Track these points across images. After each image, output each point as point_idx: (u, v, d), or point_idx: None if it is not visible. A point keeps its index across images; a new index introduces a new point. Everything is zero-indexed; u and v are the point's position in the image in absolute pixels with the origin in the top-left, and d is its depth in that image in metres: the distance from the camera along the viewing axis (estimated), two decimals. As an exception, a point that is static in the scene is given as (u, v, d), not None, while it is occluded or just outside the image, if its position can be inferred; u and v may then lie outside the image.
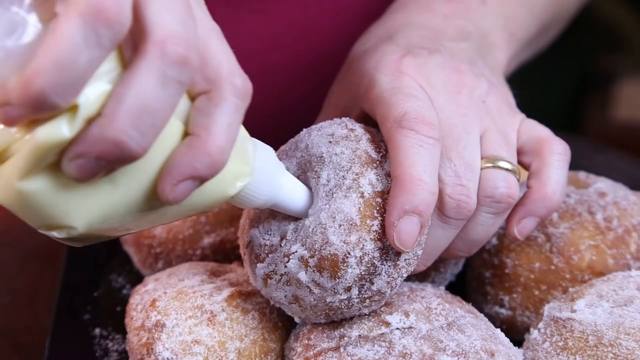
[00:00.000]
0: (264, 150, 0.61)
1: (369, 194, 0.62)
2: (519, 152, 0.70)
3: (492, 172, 0.67)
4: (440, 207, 0.65)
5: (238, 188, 0.59)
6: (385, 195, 0.62)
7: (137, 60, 0.50)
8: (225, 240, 0.78)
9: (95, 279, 0.81)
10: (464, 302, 0.70)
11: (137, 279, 0.79)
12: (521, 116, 0.71)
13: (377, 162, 0.63)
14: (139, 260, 0.79)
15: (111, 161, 0.51)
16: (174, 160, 0.54)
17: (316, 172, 0.64)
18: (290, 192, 0.63)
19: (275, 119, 0.97)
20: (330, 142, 0.65)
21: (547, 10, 0.85)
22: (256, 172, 0.60)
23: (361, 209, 0.62)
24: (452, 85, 0.69)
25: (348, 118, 0.67)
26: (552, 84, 2.03)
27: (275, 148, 0.64)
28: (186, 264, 0.75)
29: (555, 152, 0.69)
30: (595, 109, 1.99)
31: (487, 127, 0.68)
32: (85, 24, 0.48)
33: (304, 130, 0.68)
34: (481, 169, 0.67)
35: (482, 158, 0.67)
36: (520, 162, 0.70)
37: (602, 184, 0.76)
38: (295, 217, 0.64)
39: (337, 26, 0.98)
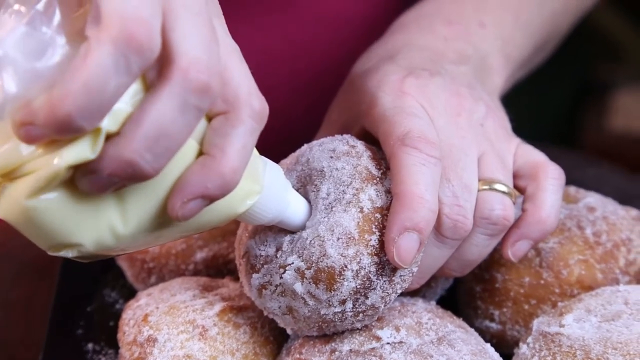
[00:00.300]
0: (273, 169, 0.62)
1: (368, 209, 0.63)
2: (515, 176, 0.71)
3: (488, 194, 0.68)
4: (438, 226, 0.66)
5: (247, 206, 0.60)
6: (384, 211, 0.63)
7: (160, 85, 0.51)
8: (218, 255, 0.78)
9: (88, 293, 0.81)
10: (454, 317, 0.71)
11: (130, 293, 0.79)
12: (517, 140, 0.73)
13: (378, 179, 0.64)
14: (132, 275, 0.80)
15: (123, 179, 0.52)
16: (186, 178, 0.55)
17: (316, 185, 0.65)
18: (295, 209, 0.64)
19: (276, 134, 0.97)
20: (331, 157, 0.65)
21: (542, 30, 0.87)
22: (265, 190, 0.60)
23: (360, 223, 0.63)
24: (452, 107, 0.70)
25: (349, 135, 0.68)
26: (549, 94, 2.03)
27: (276, 163, 0.64)
28: (179, 278, 0.75)
29: (551, 176, 0.70)
30: (592, 118, 2.00)
31: (485, 150, 0.70)
32: (117, 50, 0.48)
33: (305, 145, 0.69)
34: (478, 190, 0.68)
35: (479, 180, 0.68)
36: (515, 186, 0.71)
37: (592, 198, 0.76)
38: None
39: (334, 41, 0.98)
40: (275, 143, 0.85)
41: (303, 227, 0.64)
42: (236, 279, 0.75)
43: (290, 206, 0.63)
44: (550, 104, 2.06)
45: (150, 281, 0.79)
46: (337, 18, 0.98)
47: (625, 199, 0.89)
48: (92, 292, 0.81)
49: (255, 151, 0.60)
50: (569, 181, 0.78)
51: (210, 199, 0.55)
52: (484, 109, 0.72)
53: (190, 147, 0.55)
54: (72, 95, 0.48)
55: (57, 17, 0.50)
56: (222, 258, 0.79)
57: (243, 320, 0.70)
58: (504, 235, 0.70)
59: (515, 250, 0.70)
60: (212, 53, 0.52)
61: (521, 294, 0.73)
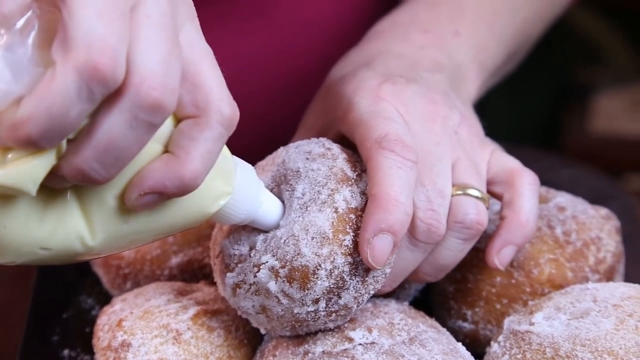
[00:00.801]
0: (245, 169, 0.63)
1: (342, 209, 0.64)
2: (491, 183, 0.72)
3: (462, 199, 0.69)
4: (412, 230, 0.67)
5: (219, 206, 0.60)
6: (358, 212, 0.64)
7: (112, 100, 0.51)
8: (193, 260, 0.79)
9: (65, 300, 0.81)
10: (427, 317, 0.71)
11: (106, 300, 0.79)
12: (491, 147, 0.74)
13: (353, 181, 0.65)
14: (108, 282, 0.80)
15: (79, 182, 0.53)
16: (147, 172, 0.55)
17: (291, 185, 0.65)
18: (268, 208, 0.64)
19: (255, 138, 0.98)
20: (307, 158, 0.66)
21: (515, 39, 0.88)
22: (237, 190, 0.61)
23: (334, 223, 0.63)
24: (427, 114, 0.71)
25: (325, 138, 0.69)
26: (530, 97, 2.04)
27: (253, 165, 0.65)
28: (153, 284, 0.76)
29: (527, 182, 0.71)
30: (573, 121, 2.00)
31: (459, 156, 0.71)
32: (81, 79, 0.49)
33: (281, 147, 0.69)
34: (452, 196, 0.69)
35: (452, 186, 0.69)
36: (492, 193, 0.72)
37: (562, 198, 0.77)
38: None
39: (312, 45, 0.99)
40: (254, 147, 0.86)
41: (276, 227, 0.65)
42: (211, 283, 0.76)
43: (263, 206, 0.63)
44: (531, 107, 2.07)
45: (125, 287, 0.79)
46: (314, 23, 0.98)
47: (600, 199, 0.90)
48: (69, 298, 0.81)
49: (227, 152, 0.61)
50: (543, 182, 0.78)
51: (166, 197, 0.56)
52: (458, 116, 0.73)
53: (151, 150, 0.55)
54: (34, 119, 0.49)
55: (34, 36, 0.51)
56: (197, 263, 0.79)
57: (217, 324, 0.70)
58: (488, 245, 0.71)
59: (501, 258, 0.70)
60: (169, 69, 0.52)
61: (493, 294, 0.73)
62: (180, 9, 0.55)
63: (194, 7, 0.57)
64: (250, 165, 0.63)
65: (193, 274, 0.79)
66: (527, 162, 0.91)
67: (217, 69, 0.57)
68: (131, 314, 0.71)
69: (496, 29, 0.84)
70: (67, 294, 0.82)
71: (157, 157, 0.55)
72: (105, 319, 0.72)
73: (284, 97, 0.99)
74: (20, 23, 0.51)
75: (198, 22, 0.57)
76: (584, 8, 2.04)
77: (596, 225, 0.75)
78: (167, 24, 0.53)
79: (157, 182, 0.55)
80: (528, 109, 2.06)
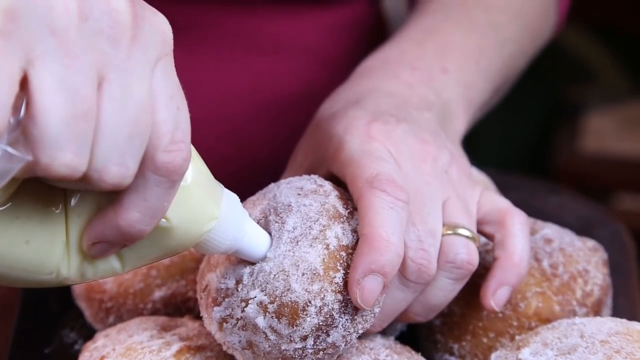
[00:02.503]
0: (230, 197, 0.62)
1: (334, 246, 0.63)
2: (481, 223, 0.72)
3: (453, 238, 0.69)
4: (402, 269, 0.67)
5: (210, 228, 0.60)
6: (349, 250, 0.64)
7: None
8: (177, 294, 0.78)
9: (47, 334, 0.80)
10: (412, 352, 0.70)
11: (89, 334, 0.78)
12: (480, 188, 0.74)
13: (344, 218, 0.65)
14: (91, 315, 0.79)
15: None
16: (90, 223, 0.56)
17: (281, 217, 0.65)
18: (252, 238, 0.63)
19: (238, 164, 0.97)
20: (299, 194, 0.66)
21: (500, 73, 0.88)
22: (222, 217, 0.60)
23: (325, 260, 0.63)
24: (418, 154, 0.71)
25: (317, 175, 0.68)
26: (520, 116, 2.04)
27: (233, 191, 0.64)
28: (137, 319, 0.75)
29: (518, 222, 0.71)
30: (564, 140, 2.00)
31: (449, 196, 0.70)
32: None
33: (272, 184, 0.69)
34: (442, 235, 0.69)
35: (443, 225, 0.69)
36: (482, 232, 0.72)
37: (549, 230, 0.76)
38: (251, 262, 0.65)
39: (293, 71, 0.99)
40: (238, 172, 0.85)
41: (262, 258, 0.64)
42: (195, 317, 0.75)
43: (247, 235, 0.63)
44: (521, 125, 2.07)
45: (108, 321, 0.78)
46: (297, 48, 0.98)
47: (588, 226, 0.90)
48: (51, 332, 0.80)
49: (211, 177, 0.60)
50: (531, 209, 0.78)
51: (115, 245, 0.56)
52: (448, 156, 0.73)
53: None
54: None
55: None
56: (180, 296, 0.78)
57: (200, 360, 0.69)
58: (483, 287, 0.70)
59: (497, 299, 0.70)
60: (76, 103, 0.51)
61: (480, 327, 0.73)
62: (152, 49, 0.54)
63: (169, 41, 0.55)
64: (234, 194, 0.63)
65: (176, 307, 0.78)
66: (513, 188, 0.91)
67: (172, 109, 0.54)
68: (113, 350, 0.70)
69: (483, 64, 0.85)
70: (50, 327, 0.81)
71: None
72: (87, 356, 0.71)
73: (267, 121, 0.99)
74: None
75: (172, 58, 0.56)
76: (574, 27, 2.04)
77: (583, 258, 0.74)
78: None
79: (98, 233, 0.55)
80: (518, 127, 2.06)
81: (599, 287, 0.74)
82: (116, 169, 0.52)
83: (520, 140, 2.08)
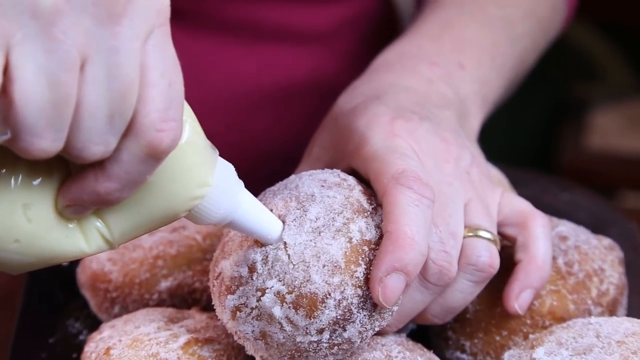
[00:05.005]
0: (225, 166, 0.60)
1: (357, 240, 0.62)
2: (502, 225, 0.71)
3: (474, 241, 0.68)
4: (423, 271, 0.66)
5: (202, 194, 0.58)
6: (372, 245, 0.63)
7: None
8: (183, 285, 0.77)
9: (51, 324, 0.79)
10: (425, 350, 0.69)
11: (94, 324, 0.77)
12: (500, 189, 0.73)
13: (368, 213, 0.64)
14: (95, 305, 0.78)
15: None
16: (67, 186, 0.55)
17: (303, 206, 0.64)
18: (248, 210, 0.61)
19: (239, 149, 0.97)
20: (322, 186, 0.65)
21: (514, 69, 0.87)
22: (215, 185, 0.59)
23: (347, 253, 0.62)
24: (440, 153, 0.70)
25: (339, 170, 0.67)
26: (525, 113, 2.03)
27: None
28: (144, 310, 0.74)
29: (540, 224, 0.71)
30: (569, 137, 1.99)
31: (471, 197, 0.70)
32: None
33: (293, 175, 0.68)
34: (463, 237, 0.68)
35: (464, 227, 0.68)
36: (503, 235, 0.71)
37: (564, 227, 0.75)
38: (261, 245, 0.63)
39: (299, 60, 0.98)
40: (238, 158, 0.84)
41: (264, 236, 0.62)
42: (202, 310, 0.74)
43: (242, 207, 0.61)
44: (526, 123, 2.06)
45: (113, 311, 0.77)
46: (305, 37, 0.97)
47: (600, 224, 0.89)
48: (55, 322, 0.79)
49: (207, 142, 0.59)
50: (542, 205, 0.77)
51: (90, 208, 0.55)
52: (469, 157, 0.72)
53: None
54: None
55: None
56: (187, 287, 0.77)
57: (208, 353, 0.68)
58: (506, 290, 0.70)
59: (521, 302, 0.69)
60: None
61: (492, 325, 0.71)
62: (143, 22, 0.52)
63: (165, 10, 0.53)
64: (229, 164, 0.61)
65: (183, 298, 0.77)
66: (524, 184, 0.90)
67: (162, 85, 0.53)
68: (120, 341, 0.69)
69: (498, 60, 0.84)
70: (54, 317, 0.80)
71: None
72: (93, 346, 0.70)
73: (272, 109, 0.98)
74: None
75: (167, 28, 0.54)
76: (580, 23, 2.03)
77: (599, 256, 0.73)
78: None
79: (75, 196, 0.54)
80: (524, 124, 2.05)
81: (615, 286, 0.72)
82: (96, 148, 0.52)
83: (526, 137, 2.07)
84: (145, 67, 0.52)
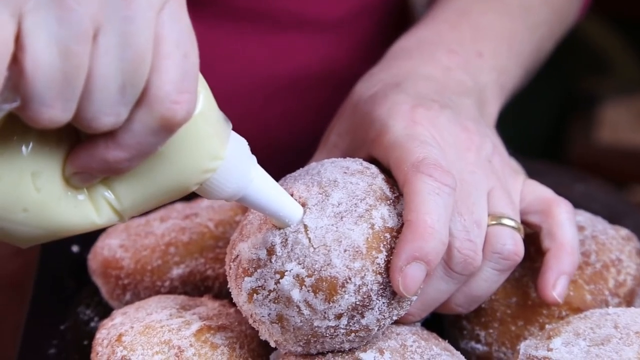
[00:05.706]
0: (237, 140, 0.59)
1: (379, 227, 0.62)
2: (525, 213, 0.71)
3: (499, 229, 0.68)
4: (448, 260, 0.66)
5: (214, 167, 0.57)
6: (394, 232, 0.63)
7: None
8: (195, 272, 0.76)
9: (62, 311, 0.79)
10: (440, 339, 0.69)
11: (105, 311, 0.77)
12: (522, 177, 0.73)
13: (391, 201, 0.64)
14: (107, 292, 0.78)
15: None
16: (76, 153, 0.54)
17: (325, 191, 0.63)
18: (261, 186, 0.60)
19: (252, 137, 0.96)
20: (345, 173, 0.65)
21: (531, 57, 0.87)
22: (228, 158, 0.58)
23: (369, 239, 0.62)
24: (462, 142, 0.70)
25: (360, 158, 0.67)
26: (535, 107, 2.02)
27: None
28: (156, 297, 0.73)
29: (564, 211, 0.70)
30: (579, 131, 1.99)
31: (493, 186, 0.69)
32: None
33: (314, 162, 0.68)
34: (487, 226, 0.68)
35: (488, 215, 0.68)
36: (527, 222, 0.71)
37: (581, 217, 0.75)
38: (278, 228, 0.63)
39: (313, 49, 0.98)
40: (252, 148, 0.83)
41: (277, 214, 0.62)
42: (215, 297, 0.73)
43: (254, 183, 0.60)
44: (537, 117, 2.05)
45: (125, 298, 0.77)
46: (318, 23, 0.97)
47: (614, 216, 0.88)
48: (66, 309, 0.79)
49: (221, 115, 0.58)
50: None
51: (98, 177, 0.55)
52: (491, 145, 0.72)
53: None
54: None
55: None
56: (199, 274, 0.76)
57: (221, 341, 0.68)
58: (540, 280, 0.69)
59: (559, 290, 0.68)
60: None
61: (508, 315, 0.71)
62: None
63: None
64: (243, 139, 0.60)
65: (195, 286, 0.77)
66: (537, 176, 0.89)
67: (177, 56, 0.52)
68: (132, 328, 0.68)
69: (515, 49, 0.84)
70: (65, 304, 0.79)
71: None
72: (105, 333, 0.69)
73: (286, 98, 0.98)
74: None
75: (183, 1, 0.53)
76: (591, 18, 2.03)
77: (616, 247, 0.72)
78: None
79: (84, 163, 0.54)
80: (534, 117, 2.04)
81: (632, 277, 0.72)
82: (106, 118, 0.51)
83: (535, 130, 2.06)
84: (159, 38, 0.51)
